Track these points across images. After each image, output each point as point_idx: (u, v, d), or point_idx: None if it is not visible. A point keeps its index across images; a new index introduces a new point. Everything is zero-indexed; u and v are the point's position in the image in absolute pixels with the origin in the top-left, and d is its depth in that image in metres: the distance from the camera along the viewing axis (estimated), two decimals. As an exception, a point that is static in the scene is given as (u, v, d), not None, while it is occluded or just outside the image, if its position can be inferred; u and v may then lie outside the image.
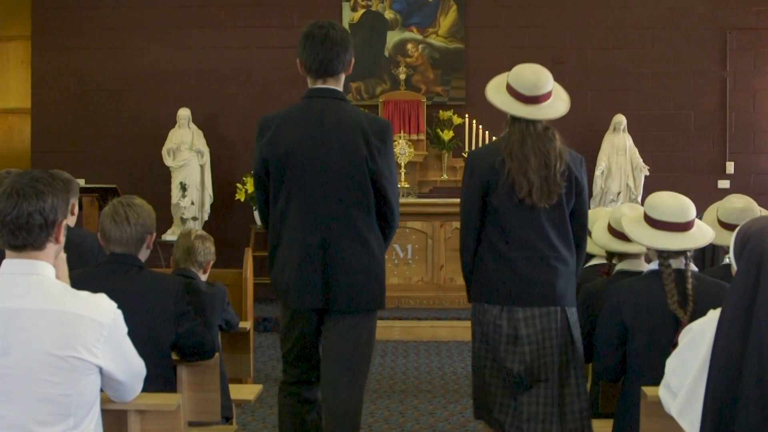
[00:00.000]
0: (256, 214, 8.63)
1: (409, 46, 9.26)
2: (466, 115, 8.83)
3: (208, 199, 9.03)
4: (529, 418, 3.12)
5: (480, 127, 8.66)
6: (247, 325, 4.01)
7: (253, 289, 5.18)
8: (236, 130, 9.22)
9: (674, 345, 2.52)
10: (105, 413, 2.34)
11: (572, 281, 3.22)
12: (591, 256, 3.83)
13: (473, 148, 8.60)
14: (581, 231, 3.26)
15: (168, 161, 8.88)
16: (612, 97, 9.20)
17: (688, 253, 2.94)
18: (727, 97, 9.23)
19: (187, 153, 8.85)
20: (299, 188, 3.12)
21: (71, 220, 3.65)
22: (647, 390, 2.58)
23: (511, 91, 3.17)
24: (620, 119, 8.89)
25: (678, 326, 2.78)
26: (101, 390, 2.26)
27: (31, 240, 2.14)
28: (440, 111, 9.10)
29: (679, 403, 2.23)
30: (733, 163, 9.26)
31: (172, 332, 2.89)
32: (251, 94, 9.26)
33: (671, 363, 2.34)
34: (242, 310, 4.53)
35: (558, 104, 3.21)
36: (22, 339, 2.07)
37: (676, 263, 2.92)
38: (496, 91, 3.23)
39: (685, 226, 2.94)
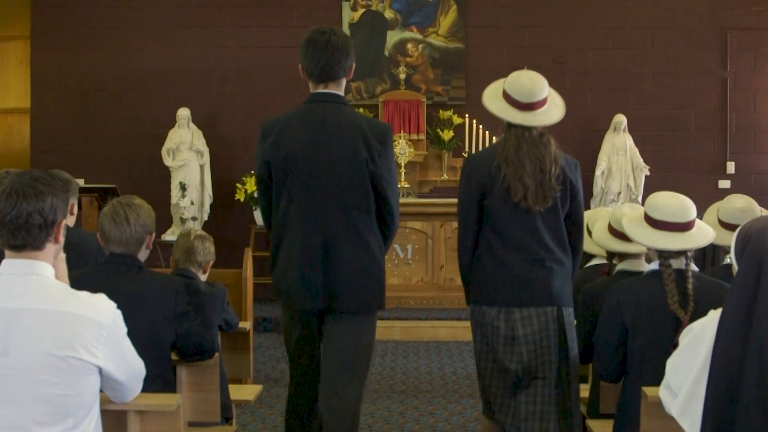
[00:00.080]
0: (255, 214, 8.64)
1: (409, 45, 9.25)
2: (466, 115, 8.82)
3: (208, 199, 9.01)
4: (526, 417, 3.16)
5: (480, 126, 8.65)
6: (246, 325, 4.02)
7: (253, 289, 5.18)
8: (236, 130, 9.21)
9: (675, 345, 2.52)
10: (105, 413, 2.34)
11: (568, 282, 3.25)
12: (591, 256, 3.83)
13: (473, 147, 8.61)
14: (577, 233, 3.30)
15: (168, 161, 8.87)
16: (612, 97, 9.20)
17: (689, 253, 2.94)
18: (727, 97, 9.23)
19: (186, 153, 8.84)
20: (301, 190, 3.16)
21: (71, 220, 3.65)
22: (647, 390, 2.58)
23: (507, 97, 3.22)
24: (620, 119, 8.88)
25: (678, 326, 2.79)
26: (101, 390, 2.25)
27: (31, 240, 2.14)
28: (440, 111, 9.09)
29: (680, 403, 2.23)
30: (733, 163, 9.25)
31: (171, 332, 2.89)
32: (251, 94, 9.25)
33: (672, 363, 2.34)
34: (242, 310, 4.54)
35: (553, 110, 3.26)
36: (21, 339, 2.07)
37: (677, 263, 2.92)
38: (492, 98, 3.28)
39: (685, 226, 2.95)
